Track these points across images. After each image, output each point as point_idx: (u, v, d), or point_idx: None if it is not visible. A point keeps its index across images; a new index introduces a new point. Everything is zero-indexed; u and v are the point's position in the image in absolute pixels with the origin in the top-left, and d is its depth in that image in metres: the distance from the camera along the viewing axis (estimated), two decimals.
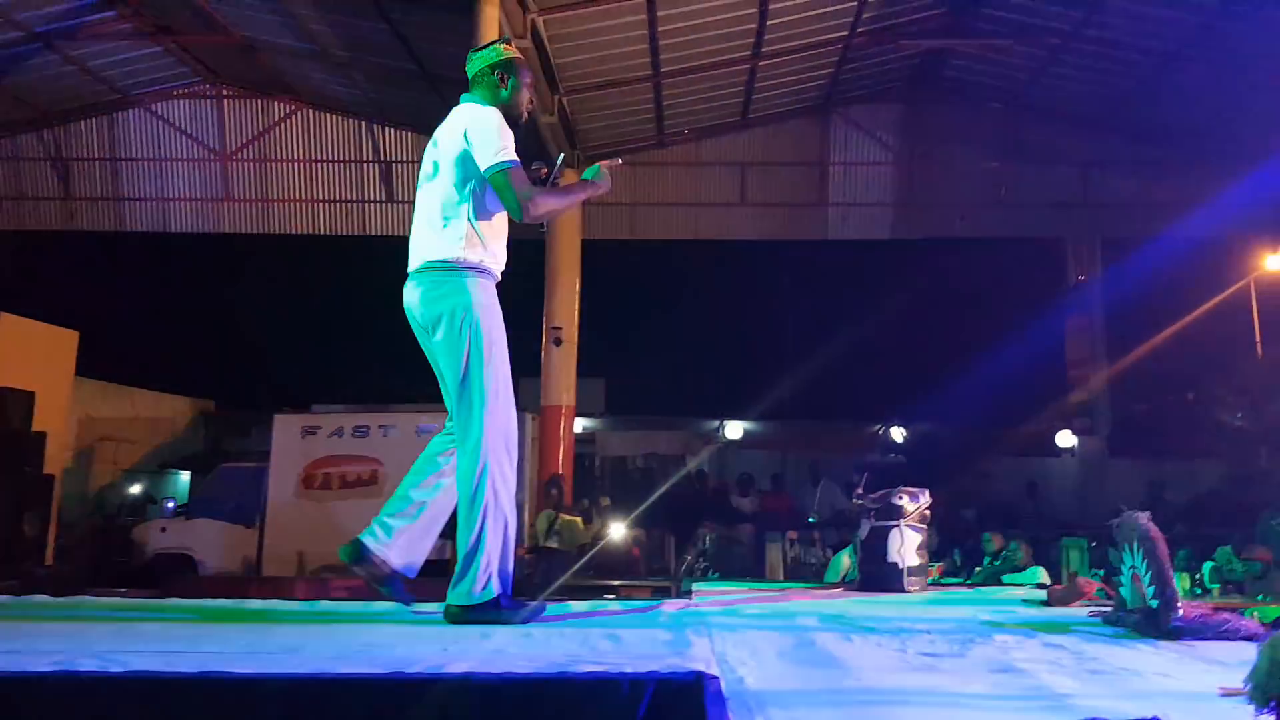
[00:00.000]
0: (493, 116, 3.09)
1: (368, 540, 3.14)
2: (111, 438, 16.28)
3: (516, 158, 3.07)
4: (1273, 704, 1.81)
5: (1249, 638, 2.77)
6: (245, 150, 13.20)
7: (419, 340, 3.24)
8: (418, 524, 3.17)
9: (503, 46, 3.28)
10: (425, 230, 3.14)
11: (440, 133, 3.19)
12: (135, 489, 16.99)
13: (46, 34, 10.97)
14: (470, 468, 3.04)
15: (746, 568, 8.98)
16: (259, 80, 12.70)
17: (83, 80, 12.23)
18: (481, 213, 3.09)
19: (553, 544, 8.77)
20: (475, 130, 3.05)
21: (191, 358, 20.05)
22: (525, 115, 3.29)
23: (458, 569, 3.05)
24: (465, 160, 3.07)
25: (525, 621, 2.96)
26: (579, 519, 9.41)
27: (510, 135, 3.10)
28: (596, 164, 3.28)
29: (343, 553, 3.19)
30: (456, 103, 3.25)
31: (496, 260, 3.16)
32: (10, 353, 9.93)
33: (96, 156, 13.31)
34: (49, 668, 1.98)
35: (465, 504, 3.04)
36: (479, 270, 3.09)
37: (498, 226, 3.16)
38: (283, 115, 13.08)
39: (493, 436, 3.03)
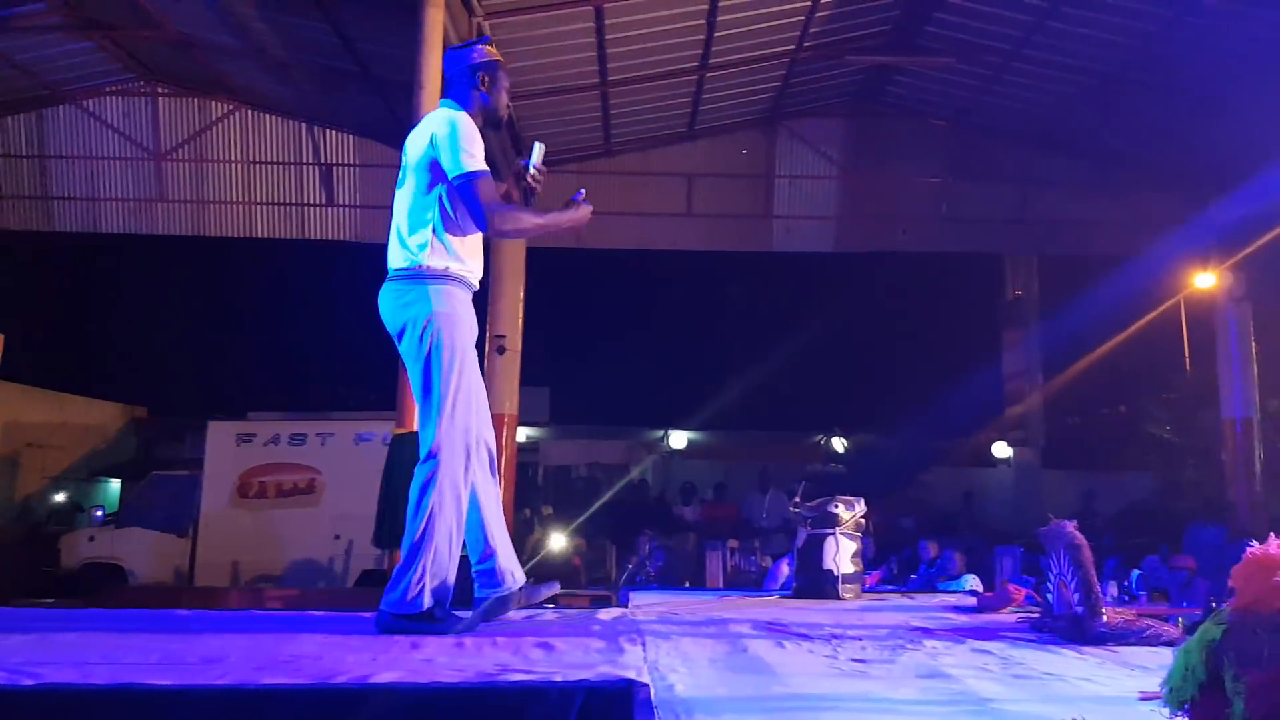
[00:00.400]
0: (462, 122, 3.05)
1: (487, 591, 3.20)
2: (39, 444, 15.77)
3: (485, 167, 3.02)
4: (1186, 707, 1.86)
5: (1170, 643, 2.84)
6: (181, 150, 12.84)
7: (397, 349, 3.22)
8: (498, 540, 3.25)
9: (485, 47, 3.25)
10: (394, 238, 3.12)
11: (410, 138, 3.16)
12: (63, 497, 16.47)
13: None
14: (422, 475, 3.01)
15: (688, 576, 9.00)
16: (196, 79, 12.38)
17: (10, 75, 11.79)
18: (448, 220, 3.05)
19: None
20: (443, 136, 3.02)
21: (123, 363, 19.51)
22: (504, 117, 3.30)
23: (394, 574, 3.00)
24: (432, 167, 3.04)
25: (459, 634, 2.91)
26: None
27: (480, 143, 3.07)
28: (581, 188, 3.25)
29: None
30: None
31: (467, 268, 3.11)
32: None
33: (25, 154, 12.83)
34: None
35: (411, 510, 3.00)
36: (445, 278, 3.05)
37: (468, 234, 3.11)
38: (220, 115, 12.77)
39: (447, 446, 3.00)
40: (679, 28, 10.09)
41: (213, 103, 12.73)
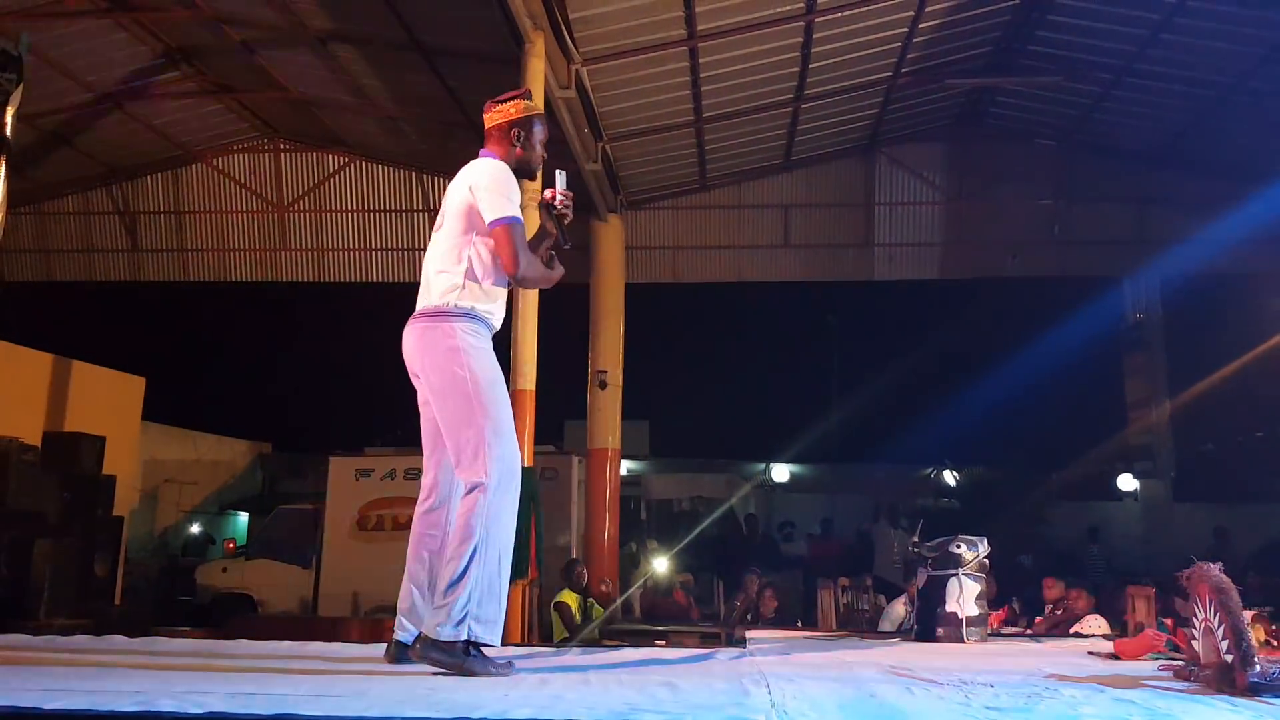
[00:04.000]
0: (502, 172, 3.17)
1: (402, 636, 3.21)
2: (175, 479, 16.73)
3: (520, 215, 3.15)
4: None
5: None
6: (301, 201, 13.60)
7: (415, 385, 3.28)
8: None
9: (523, 104, 3.33)
10: (428, 278, 3.23)
11: (452, 184, 3.26)
12: (196, 529, 17.40)
13: (115, 94, 11.47)
14: (470, 503, 3.03)
15: (799, 615, 8.83)
16: (314, 134, 13.11)
17: (149, 138, 12.74)
18: (480, 265, 3.15)
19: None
20: (483, 184, 3.13)
21: (250, 402, 20.55)
22: (538, 169, 3.36)
23: (437, 601, 3.01)
24: (470, 213, 3.14)
25: (489, 675, 2.86)
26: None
27: (517, 192, 3.19)
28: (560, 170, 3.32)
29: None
30: None
31: (492, 311, 3.20)
32: (83, 399, 10.29)
33: (161, 210, 13.81)
34: (132, 707, 2.06)
35: (457, 538, 3.02)
36: (471, 316, 3.13)
37: (496, 280, 3.20)
38: (337, 167, 13.48)
39: (495, 473, 3.02)
40: (773, 61, 10.13)
41: (330, 156, 13.45)
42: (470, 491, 3.04)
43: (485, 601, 2.96)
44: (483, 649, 2.97)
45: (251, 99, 12.25)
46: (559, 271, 3.37)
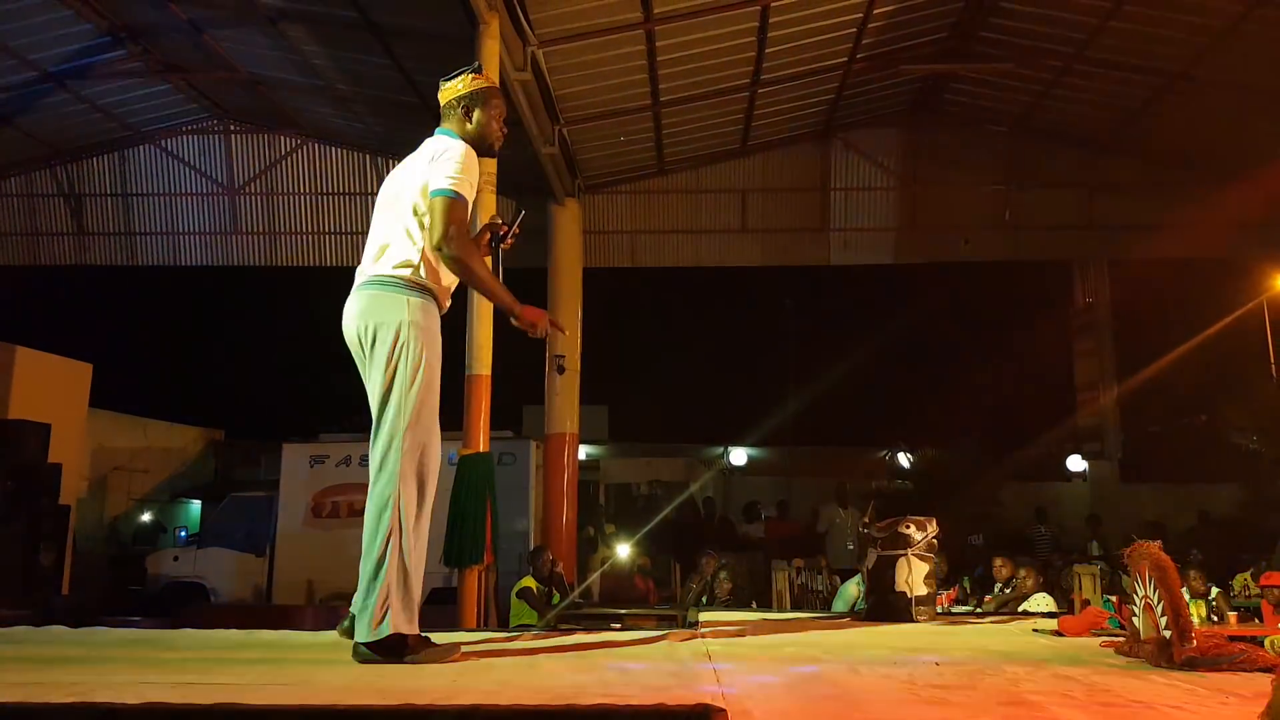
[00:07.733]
0: (462, 149, 3.06)
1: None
2: (124, 468, 16.37)
3: (466, 195, 3.01)
4: None
5: (1268, 669, 2.72)
6: (253, 184, 13.34)
7: (354, 360, 3.13)
8: None
9: (470, 78, 3.22)
10: (376, 250, 3.07)
11: (409, 159, 3.16)
12: (147, 518, 17.06)
13: (59, 74, 11.14)
14: (380, 493, 2.93)
15: (754, 596, 8.93)
16: (265, 115, 12.86)
17: (94, 118, 12.41)
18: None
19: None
20: (440, 157, 3.02)
21: (202, 388, 20.19)
22: (496, 145, 3.25)
23: (358, 602, 2.93)
24: (427, 189, 3.02)
25: (434, 661, 2.82)
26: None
27: (474, 174, 3.07)
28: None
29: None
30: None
31: (442, 288, 3.09)
32: (26, 385, 10.04)
33: (108, 192, 13.46)
34: (66, 699, 2.01)
35: (370, 532, 2.93)
36: (422, 290, 3.01)
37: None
38: (289, 149, 13.23)
39: (406, 462, 2.93)
40: (730, 46, 10.12)
41: (281, 138, 13.19)
42: (383, 478, 2.93)
43: (403, 598, 2.88)
44: (427, 635, 2.94)
45: (200, 79, 11.97)
46: (496, 285, 3.10)
